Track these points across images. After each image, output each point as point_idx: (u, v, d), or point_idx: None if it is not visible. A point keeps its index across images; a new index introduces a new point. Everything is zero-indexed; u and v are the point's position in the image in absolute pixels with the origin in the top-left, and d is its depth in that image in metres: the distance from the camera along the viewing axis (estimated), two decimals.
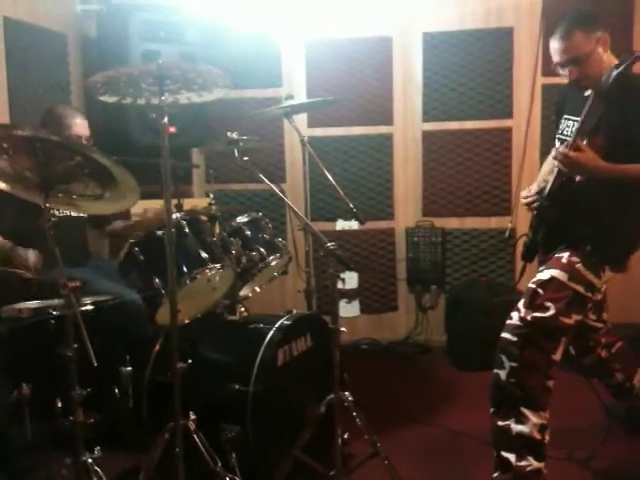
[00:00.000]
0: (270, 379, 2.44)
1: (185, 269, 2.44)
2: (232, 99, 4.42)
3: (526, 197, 2.73)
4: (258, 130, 4.38)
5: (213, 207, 3.30)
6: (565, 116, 2.62)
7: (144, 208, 4.02)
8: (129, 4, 4.14)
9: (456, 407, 3.48)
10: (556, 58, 2.46)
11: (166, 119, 2.14)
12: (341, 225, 4.56)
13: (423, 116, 4.42)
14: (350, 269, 2.33)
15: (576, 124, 2.42)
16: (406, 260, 4.51)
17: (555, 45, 2.44)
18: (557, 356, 2.42)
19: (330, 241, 2.27)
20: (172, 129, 4.12)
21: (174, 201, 3.45)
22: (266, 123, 4.33)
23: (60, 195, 2.13)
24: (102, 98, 2.22)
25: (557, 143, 2.64)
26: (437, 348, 4.40)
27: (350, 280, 4.56)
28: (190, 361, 2.20)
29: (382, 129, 4.46)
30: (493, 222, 4.41)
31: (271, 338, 2.48)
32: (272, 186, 2.52)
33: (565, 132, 2.60)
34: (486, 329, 3.36)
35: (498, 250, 4.43)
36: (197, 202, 4.16)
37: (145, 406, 2.53)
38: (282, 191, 3.97)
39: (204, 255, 2.47)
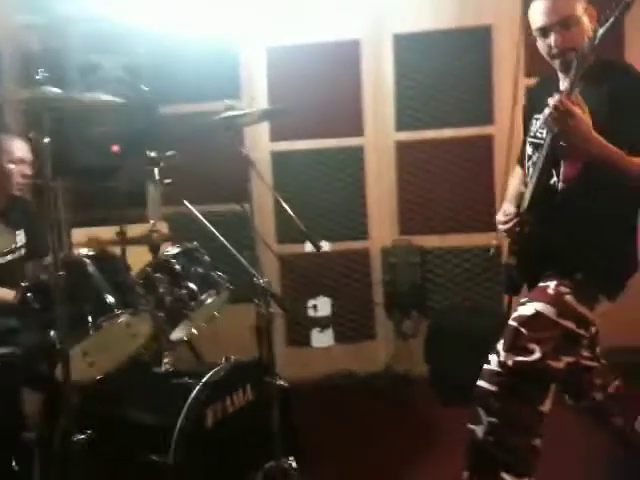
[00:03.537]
0: (195, 446, 2.03)
1: (90, 317, 2.04)
2: (187, 113, 4.06)
3: (504, 222, 2.35)
4: (217, 145, 4.00)
5: (154, 234, 2.94)
6: (536, 116, 2.27)
7: (89, 237, 3.63)
8: (72, 16, 3.83)
9: (437, 453, 3.07)
10: (542, 21, 2.10)
11: (47, 139, 1.77)
12: (310, 247, 4.15)
13: (396, 125, 4.02)
14: (281, 307, 1.98)
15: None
16: (383, 283, 4.11)
17: (543, 4, 2.10)
18: (545, 407, 2.04)
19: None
20: (116, 148, 3.76)
21: (116, 229, 3.07)
22: (225, 138, 3.94)
23: None
24: None
25: (528, 148, 2.31)
26: (420, 379, 3.97)
27: (323, 306, 4.19)
28: (90, 431, 1.82)
29: (352, 141, 4.08)
30: (476, 239, 4.00)
31: (196, 396, 2.07)
32: (197, 213, 2.13)
33: (538, 134, 2.23)
34: (471, 358, 3.02)
35: (483, 270, 4.03)
36: (147, 228, 3.78)
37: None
38: (245, 211, 3.64)
39: (110, 300, 2.06)
